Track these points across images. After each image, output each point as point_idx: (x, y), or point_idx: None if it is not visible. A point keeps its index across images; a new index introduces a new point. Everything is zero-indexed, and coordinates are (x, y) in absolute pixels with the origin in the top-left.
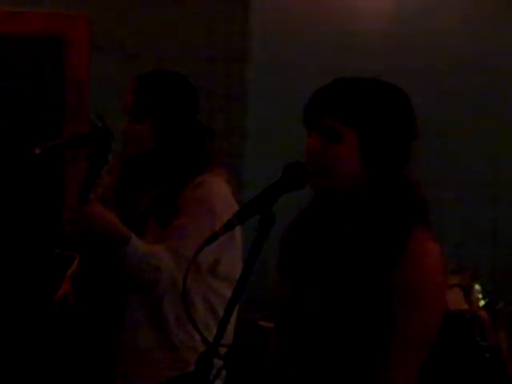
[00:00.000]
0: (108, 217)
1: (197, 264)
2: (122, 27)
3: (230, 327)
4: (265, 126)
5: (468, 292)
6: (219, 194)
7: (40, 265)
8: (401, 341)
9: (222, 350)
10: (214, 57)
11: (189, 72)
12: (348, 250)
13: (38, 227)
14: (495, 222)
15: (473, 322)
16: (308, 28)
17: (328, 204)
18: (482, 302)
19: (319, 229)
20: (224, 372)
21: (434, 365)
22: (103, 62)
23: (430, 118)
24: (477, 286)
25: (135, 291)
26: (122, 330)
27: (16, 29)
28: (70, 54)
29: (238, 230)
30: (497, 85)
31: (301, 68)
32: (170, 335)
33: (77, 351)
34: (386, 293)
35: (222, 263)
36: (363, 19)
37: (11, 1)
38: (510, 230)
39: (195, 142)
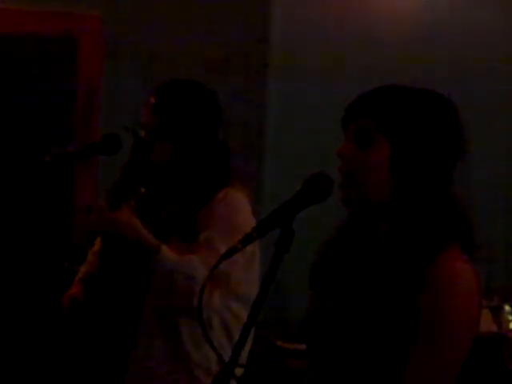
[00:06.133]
0: (138, 225)
1: (226, 280)
2: (136, 28)
3: (246, 349)
4: (284, 139)
5: (497, 313)
6: (242, 208)
7: (49, 278)
8: (421, 365)
9: (238, 371)
10: (231, 59)
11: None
12: (376, 267)
13: (48, 239)
14: None
15: (502, 345)
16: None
17: (360, 220)
18: None
19: (351, 244)
20: None
21: None
22: (116, 66)
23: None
24: (507, 307)
25: (172, 307)
26: (135, 347)
27: (27, 28)
28: (82, 56)
29: (256, 250)
30: None
31: (322, 77)
32: (185, 355)
33: (86, 368)
34: (409, 314)
35: (242, 285)
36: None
37: None
38: None
39: (214, 157)
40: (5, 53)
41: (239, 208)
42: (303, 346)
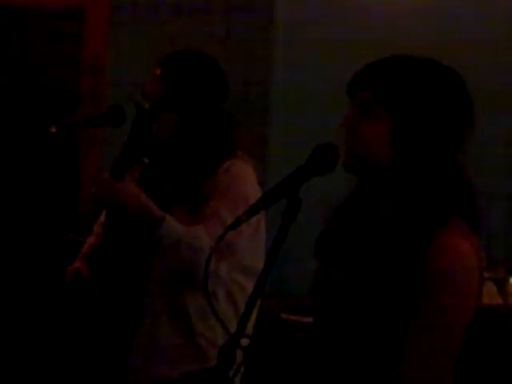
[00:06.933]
0: (142, 196)
1: (232, 250)
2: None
3: (251, 322)
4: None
5: (502, 286)
6: (248, 179)
7: (54, 249)
8: (420, 340)
9: (244, 342)
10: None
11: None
12: (379, 239)
13: (53, 211)
14: None
15: (507, 317)
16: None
17: (365, 191)
18: None
19: (355, 216)
20: (242, 368)
21: (465, 362)
22: (122, 38)
23: None
24: None
25: (178, 278)
26: (141, 321)
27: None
28: (89, 29)
29: (262, 221)
30: None
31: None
32: (191, 328)
33: (91, 343)
34: (411, 288)
35: (248, 256)
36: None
37: None
38: None
39: (220, 128)
40: (10, 24)
41: (245, 179)
42: (307, 319)
